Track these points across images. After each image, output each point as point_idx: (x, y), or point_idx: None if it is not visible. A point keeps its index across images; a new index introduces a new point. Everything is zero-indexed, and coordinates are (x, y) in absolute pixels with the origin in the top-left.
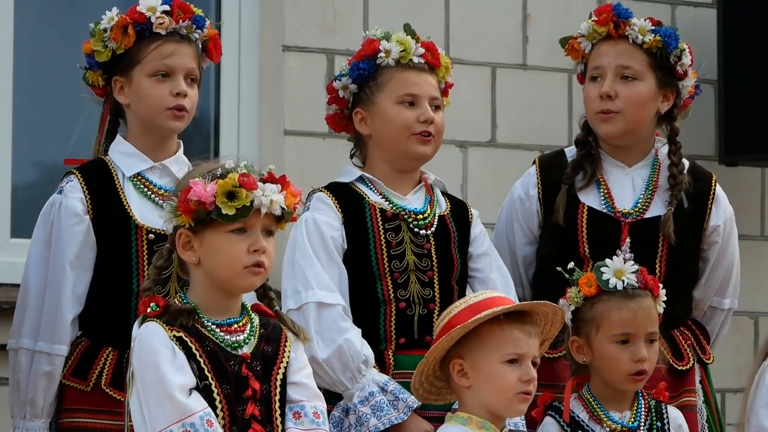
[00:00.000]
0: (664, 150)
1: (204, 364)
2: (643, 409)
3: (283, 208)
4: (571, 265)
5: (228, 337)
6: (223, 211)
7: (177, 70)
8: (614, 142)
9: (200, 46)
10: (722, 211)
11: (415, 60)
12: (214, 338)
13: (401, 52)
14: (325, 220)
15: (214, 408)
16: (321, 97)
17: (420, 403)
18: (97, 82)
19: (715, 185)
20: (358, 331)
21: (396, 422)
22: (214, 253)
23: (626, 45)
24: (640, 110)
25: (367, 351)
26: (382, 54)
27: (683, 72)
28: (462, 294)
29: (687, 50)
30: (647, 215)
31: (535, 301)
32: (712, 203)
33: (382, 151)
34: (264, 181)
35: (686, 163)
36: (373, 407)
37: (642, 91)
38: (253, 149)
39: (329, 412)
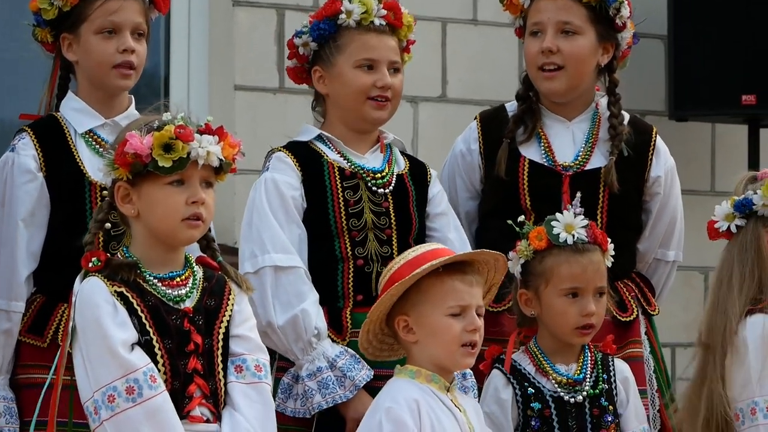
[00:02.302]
0: (604, 103)
1: (145, 319)
2: (589, 362)
3: (221, 160)
4: (521, 218)
5: (170, 291)
6: (160, 164)
7: (123, 26)
8: (557, 99)
9: None
10: (663, 162)
11: (377, 22)
12: (155, 292)
13: (362, 13)
14: (284, 179)
15: (155, 363)
16: (271, 53)
17: (370, 379)
18: (46, 39)
19: (655, 137)
20: (316, 297)
21: (340, 401)
22: (152, 205)
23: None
24: (581, 65)
25: (321, 323)
26: (343, 15)
27: (622, 24)
28: None
29: (625, 2)
30: (587, 167)
31: (474, 251)
32: (652, 154)
33: (339, 111)
34: (201, 133)
35: (626, 115)
36: (320, 383)
37: (583, 46)
38: (203, 105)
39: (278, 379)
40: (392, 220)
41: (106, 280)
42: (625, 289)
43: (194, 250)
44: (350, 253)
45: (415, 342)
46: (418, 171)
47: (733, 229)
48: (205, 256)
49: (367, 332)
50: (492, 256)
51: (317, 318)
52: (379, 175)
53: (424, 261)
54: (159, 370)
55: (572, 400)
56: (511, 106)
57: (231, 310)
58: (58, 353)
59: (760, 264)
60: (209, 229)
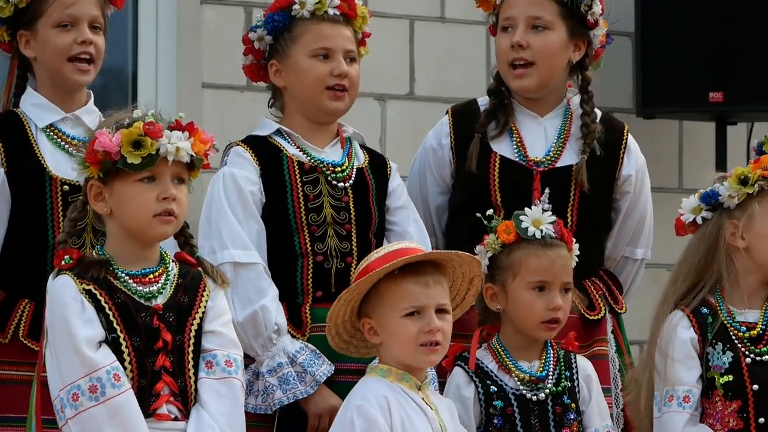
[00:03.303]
0: (576, 100)
1: (113, 316)
2: (551, 359)
3: (192, 155)
4: (489, 211)
5: (141, 288)
6: (129, 160)
7: (80, 19)
8: (528, 95)
9: None
10: (634, 161)
11: (330, 12)
12: (126, 290)
13: (316, 4)
14: (243, 174)
15: (122, 360)
16: (239, 50)
17: (330, 374)
18: (3, 38)
19: (627, 135)
20: (276, 293)
21: (301, 396)
22: (123, 202)
23: None
24: (551, 60)
25: (281, 319)
26: (296, 6)
27: (594, 21)
28: (379, 247)
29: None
30: (559, 164)
31: (422, 252)
32: (624, 153)
33: (297, 103)
34: (172, 129)
35: (598, 113)
36: (280, 379)
37: (553, 41)
38: (171, 102)
39: None
40: (352, 215)
41: (76, 277)
42: (592, 287)
43: (172, 247)
44: (309, 248)
45: (380, 343)
46: (378, 164)
47: (699, 221)
48: (183, 252)
49: (333, 335)
50: (445, 255)
51: (277, 314)
52: (339, 168)
53: (380, 265)
54: (126, 368)
55: (534, 397)
56: (483, 101)
57: (204, 307)
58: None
59: (713, 254)
60: (187, 226)
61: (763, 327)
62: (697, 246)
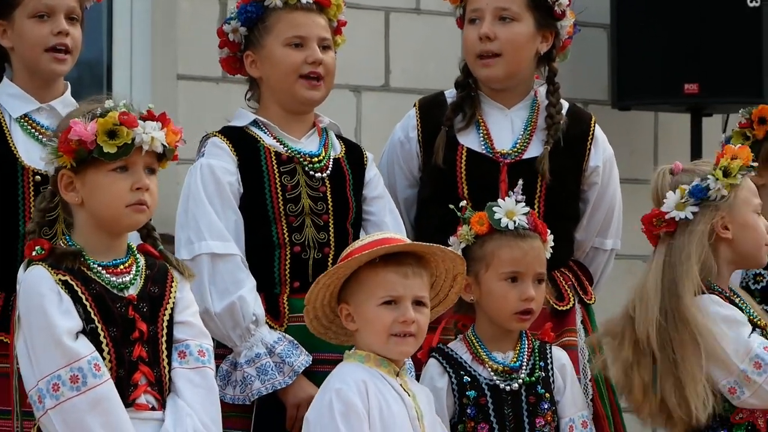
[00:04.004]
0: (543, 91)
1: (90, 307)
2: (526, 350)
3: (164, 146)
4: (463, 203)
5: (114, 278)
6: (105, 150)
7: (57, 10)
8: (495, 86)
9: None
10: (601, 152)
11: (303, 0)
12: (100, 280)
13: None
14: (220, 165)
15: (100, 351)
16: (214, 42)
17: (308, 364)
18: None
19: (594, 126)
20: (253, 284)
21: (280, 387)
22: (96, 192)
23: None
24: (519, 51)
25: (259, 310)
26: None
27: (561, 12)
28: (357, 238)
29: None
30: (525, 156)
31: (410, 243)
32: (591, 144)
33: (273, 93)
34: (144, 119)
35: (566, 104)
36: (259, 370)
37: (520, 32)
38: (146, 94)
39: (217, 366)
40: (329, 206)
41: (50, 268)
42: (561, 278)
43: (134, 240)
44: (287, 239)
45: (356, 330)
46: (355, 154)
47: (689, 216)
48: (146, 244)
49: (312, 319)
50: (428, 248)
51: (255, 305)
52: (316, 159)
53: (377, 246)
54: (104, 359)
55: (508, 387)
56: (450, 94)
57: (174, 297)
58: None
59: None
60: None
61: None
62: (683, 244)
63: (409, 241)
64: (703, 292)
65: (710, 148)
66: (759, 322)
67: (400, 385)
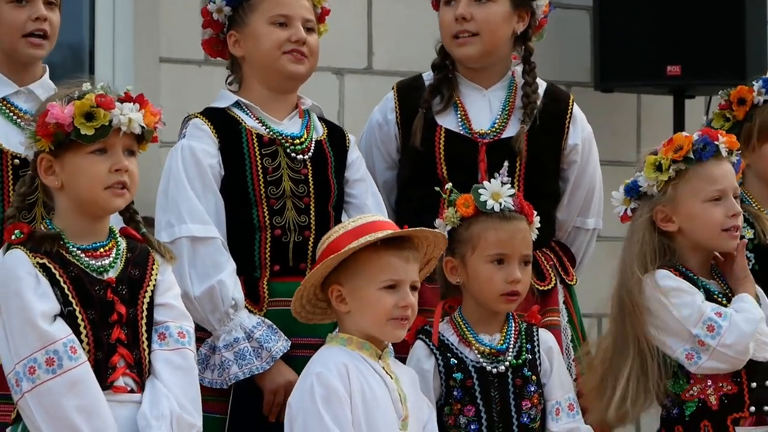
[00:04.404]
0: (520, 71)
1: (68, 290)
2: (513, 332)
3: (143, 127)
4: (448, 185)
5: (93, 261)
6: (82, 132)
7: None
8: (471, 65)
9: None
10: (580, 130)
11: None
12: (79, 263)
13: None
14: (201, 147)
15: (78, 334)
16: (197, 25)
17: (287, 350)
18: None
19: (572, 105)
20: (233, 268)
21: (257, 372)
22: (75, 175)
23: None
24: (495, 31)
25: (238, 294)
26: None
27: None
28: (338, 220)
29: None
30: (504, 135)
31: (416, 228)
32: (569, 122)
33: (256, 72)
34: (121, 101)
35: (543, 84)
36: (237, 354)
37: (496, 12)
38: (128, 77)
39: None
40: (311, 188)
41: (28, 252)
42: (543, 258)
43: (117, 223)
44: (268, 221)
45: (347, 312)
46: (337, 137)
47: (629, 212)
48: (129, 227)
49: (300, 297)
50: (431, 233)
51: (234, 289)
52: (297, 141)
53: (364, 232)
54: (82, 341)
55: (495, 370)
56: (428, 76)
57: (155, 280)
58: None
59: (647, 240)
60: (132, 202)
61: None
62: (630, 236)
63: (393, 224)
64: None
65: (693, 130)
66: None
67: (383, 367)
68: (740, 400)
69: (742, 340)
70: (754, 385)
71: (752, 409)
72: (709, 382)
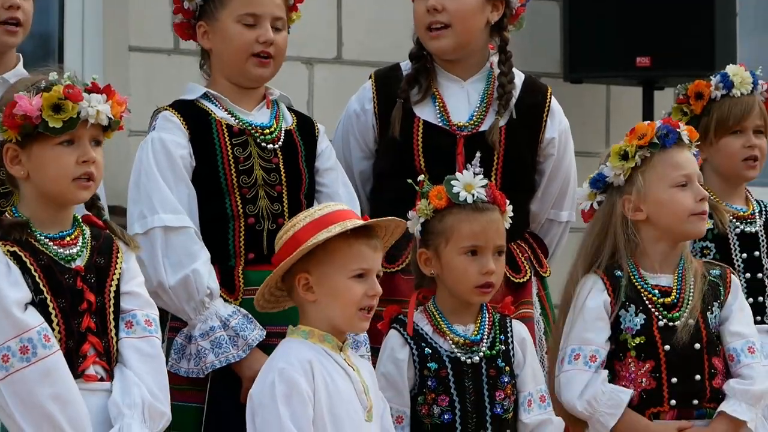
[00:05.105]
0: (496, 60)
1: (39, 278)
2: (486, 323)
3: (110, 118)
4: (421, 177)
5: (61, 250)
6: (50, 124)
7: None
8: (446, 57)
9: None
10: (557, 124)
11: None
12: (48, 252)
13: None
14: (172, 139)
15: (50, 322)
16: (166, 13)
17: (262, 338)
18: None
19: (550, 97)
20: (207, 257)
21: (233, 360)
22: (42, 166)
23: None
24: (468, 22)
25: (213, 283)
26: None
27: None
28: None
29: None
30: (482, 128)
31: (386, 218)
32: (547, 115)
33: (223, 68)
34: (89, 92)
35: (521, 75)
36: (213, 343)
37: (469, 3)
38: (98, 66)
39: (171, 339)
40: (282, 176)
41: None
42: (518, 251)
43: (79, 209)
44: (241, 210)
45: (314, 301)
46: (306, 126)
47: (596, 206)
48: (91, 214)
49: (266, 285)
50: (395, 222)
51: (209, 278)
52: (267, 131)
53: (330, 221)
54: (53, 330)
55: (469, 360)
56: (406, 65)
57: (120, 268)
58: None
59: (605, 232)
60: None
61: (678, 294)
62: (591, 228)
63: (357, 213)
64: (592, 270)
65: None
66: (657, 299)
67: (344, 359)
68: (659, 394)
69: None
70: (674, 380)
71: (672, 402)
72: (631, 376)
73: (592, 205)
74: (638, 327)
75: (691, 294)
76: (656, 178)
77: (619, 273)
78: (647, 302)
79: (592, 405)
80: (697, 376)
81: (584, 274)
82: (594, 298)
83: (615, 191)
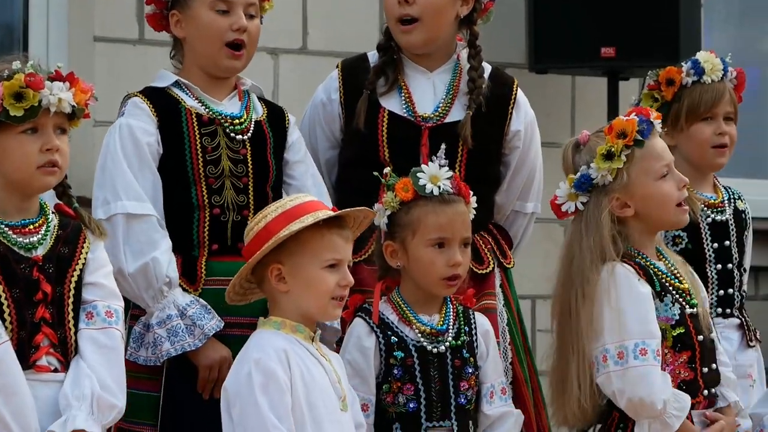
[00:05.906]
0: (465, 54)
1: None
2: (451, 314)
3: (73, 106)
4: (387, 169)
5: (21, 238)
6: (11, 113)
7: None
8: (416, 51)
9: None
10: (523, 116)
11: None
12: (5, 241)
13: None
14: (140, 125)
15: (1, 312)
16: (131, 4)
17: (219, 329)
18: None
19: (516, 90)
20: (168, 246)
21: (189, 349)
22: (6, 155)
23: None
24: (438, 15)
25: (172, 272)
26: None
27: None
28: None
29: None
30: (447, 120)
31: (358, 208)
32: (513, 108)
33: (195, 57)
34: (52, 80)
35: (488, 67)
36: (169, 331)
37: None
38: (62, 56)
39: (131, 327)
40: (249, 168)
41: None
42: (481, 242)
43: (50, 197)
44: (206, 201)
45: (286, 291)
46: (277, 117)
47: (580, 206)
48: (62, 203)
49: (239, 278)
50: (365, 213)
51: (168, 266)
52: (237, 121)
53: (301, 212)
54: (5, 320)
55: (435, 350)
56: (373, 56)
57: (85, 258)
58: None
59: (600, 231)
60: (65, 176)
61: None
62: (584, 229)
63: (326, 204)
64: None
65: (627, 111)
66: (678, 285)
67: (316, 349)
68: (696, 385)
69: (632, 394)
70: (705, 370)
71: (705, 392)
72: (669, 368)
73: (575, 205)
74: (677, 317)
75: (687, 280)
76: (641, 172)
77: (642, 263)
78: (674, 292)
79: (666, 404)
80: (714, 365)
81: (594, 268)
82: (645, 285)
83: (600, 191)
